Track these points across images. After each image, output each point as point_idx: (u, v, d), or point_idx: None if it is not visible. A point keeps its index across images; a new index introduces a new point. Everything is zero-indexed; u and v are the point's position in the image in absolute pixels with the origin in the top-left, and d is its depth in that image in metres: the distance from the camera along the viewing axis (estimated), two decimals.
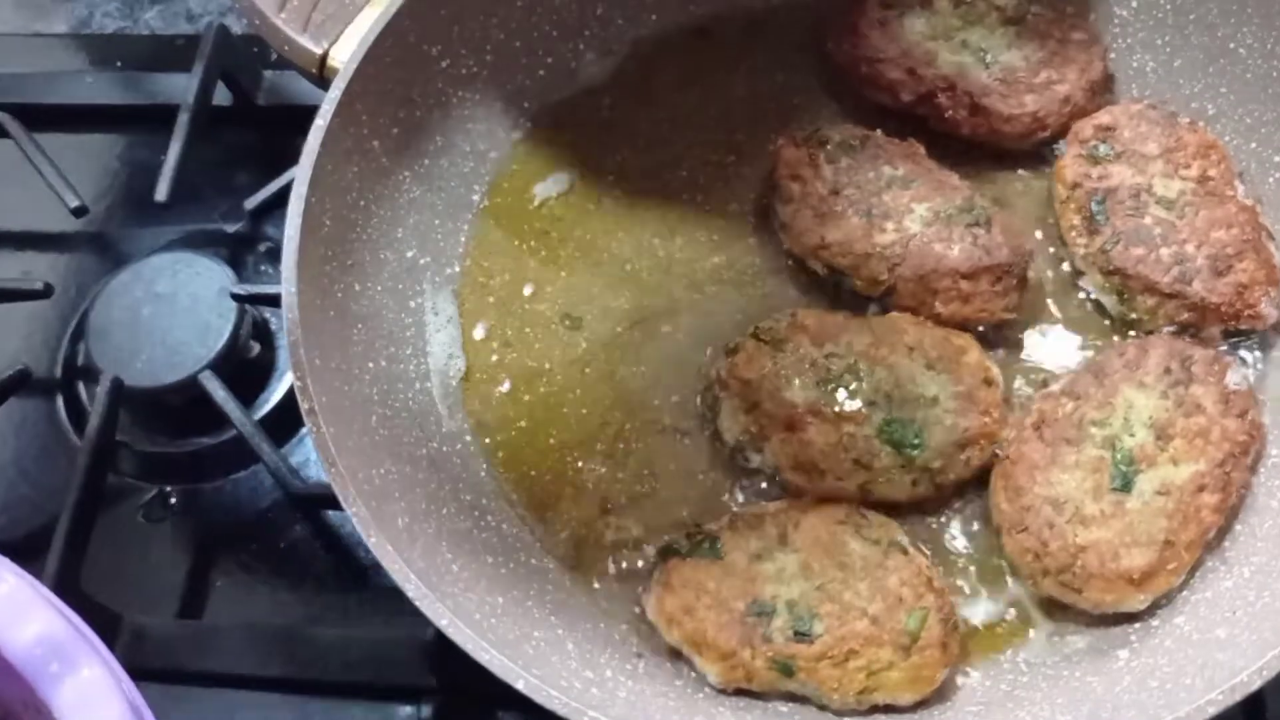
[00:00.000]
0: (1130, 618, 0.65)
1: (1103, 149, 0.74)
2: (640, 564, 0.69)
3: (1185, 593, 0.65)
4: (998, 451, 0.68)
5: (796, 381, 0.68)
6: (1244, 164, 0.76)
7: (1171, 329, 0.70)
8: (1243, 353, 0.71)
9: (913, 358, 0.69)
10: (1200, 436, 0.65)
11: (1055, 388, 0.69)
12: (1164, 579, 0.63)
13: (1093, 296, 0.74)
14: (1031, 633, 0.66)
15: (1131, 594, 0.63)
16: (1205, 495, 0.64)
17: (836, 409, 0.68)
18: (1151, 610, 0.65)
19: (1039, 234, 0.77)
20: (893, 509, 0.68)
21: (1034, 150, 0.78)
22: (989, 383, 0.69)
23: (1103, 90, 0.78)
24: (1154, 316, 0.70)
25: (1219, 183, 0.72)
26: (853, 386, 0.68)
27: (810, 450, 0.67)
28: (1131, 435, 0.65)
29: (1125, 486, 0.64)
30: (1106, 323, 0.74)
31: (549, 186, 0.79)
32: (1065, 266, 0.76)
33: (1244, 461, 0.65)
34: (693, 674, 0.65)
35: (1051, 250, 0.76)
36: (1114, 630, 0.65)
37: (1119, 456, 0.64)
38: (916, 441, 0.66)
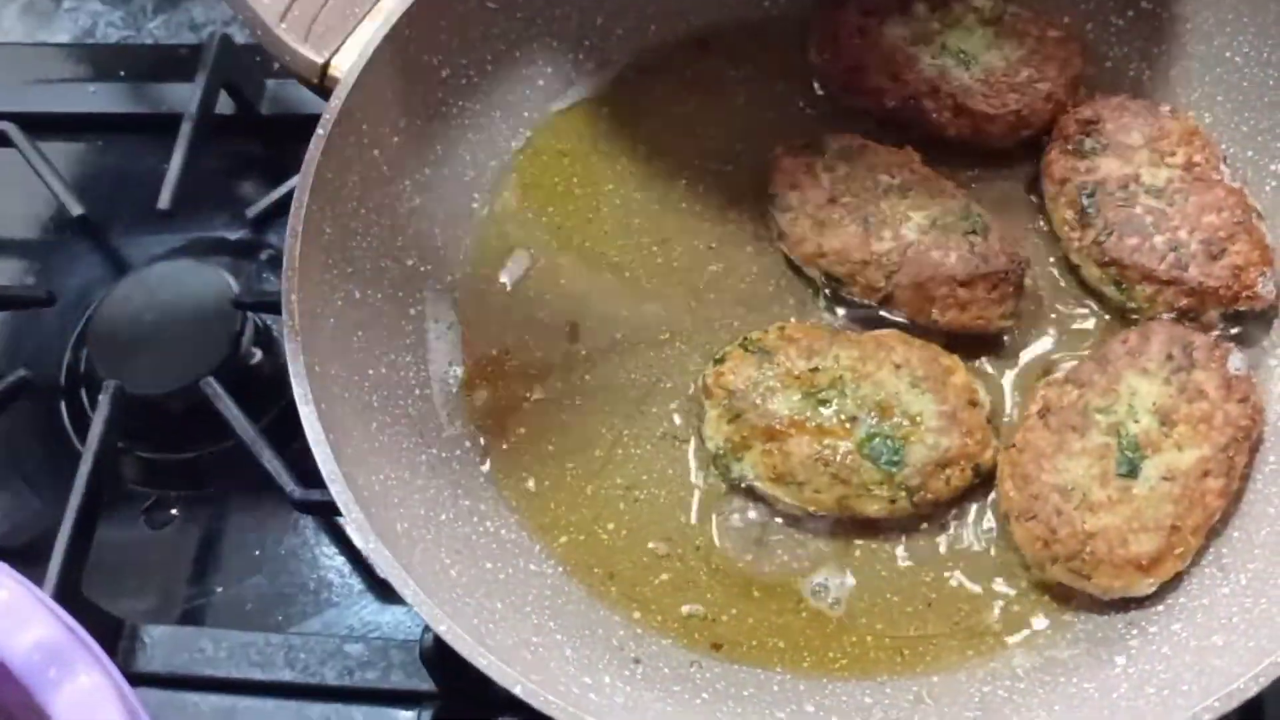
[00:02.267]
0: (1128, 623, 0.65)
1: (1088, 143, 0.75)
2: (636, 570, 0.69)
3: (1183, 599, 0.65)
4: (980, 467, 0.68)
5: (780, 393, 0.69)
6: (1241, 171, 0.76)
7: (1171, 315, 0.71)
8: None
9: (899, 375, 0.69)
10: (1203, 422, 0.66)
11: (1059, 375, 0.70)
12: (1171, 564, 0.64)
13: (1089, 299, 0.74)
14: (1027, 639, 0.66)
15: (1139, 579, 0.64)
16: (1209, 480, 0.64)
17: (818, 422, 0.68)
18: (1149, 617, 0.65)
19: (1031, 231, 0.77)
20: (872, 526, 0.68)
21: (1019, 149, 0.79)
22: (974, 404, 0.69)
23: (1083, 85, 0.79)
24: (1153, 304, 0.71)
25: (1205, 168, 0.73)
26: (836, 401, 0.68)
27: (790, 461, 0.67)
28: (1136, 421, 0.66)
29: (1131, 473, 0.65)
30: (1105, 320, 0.74)
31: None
32: (1055, 265, 0.76)
33: (1245, 446, 0.66)
34: (690, 680, 0.65)
35: (1045, 248, 0.76)
36: (1111, 637, 0.65)
37: (1124, 443, 0.65)
38: (896, 459, 0.67)
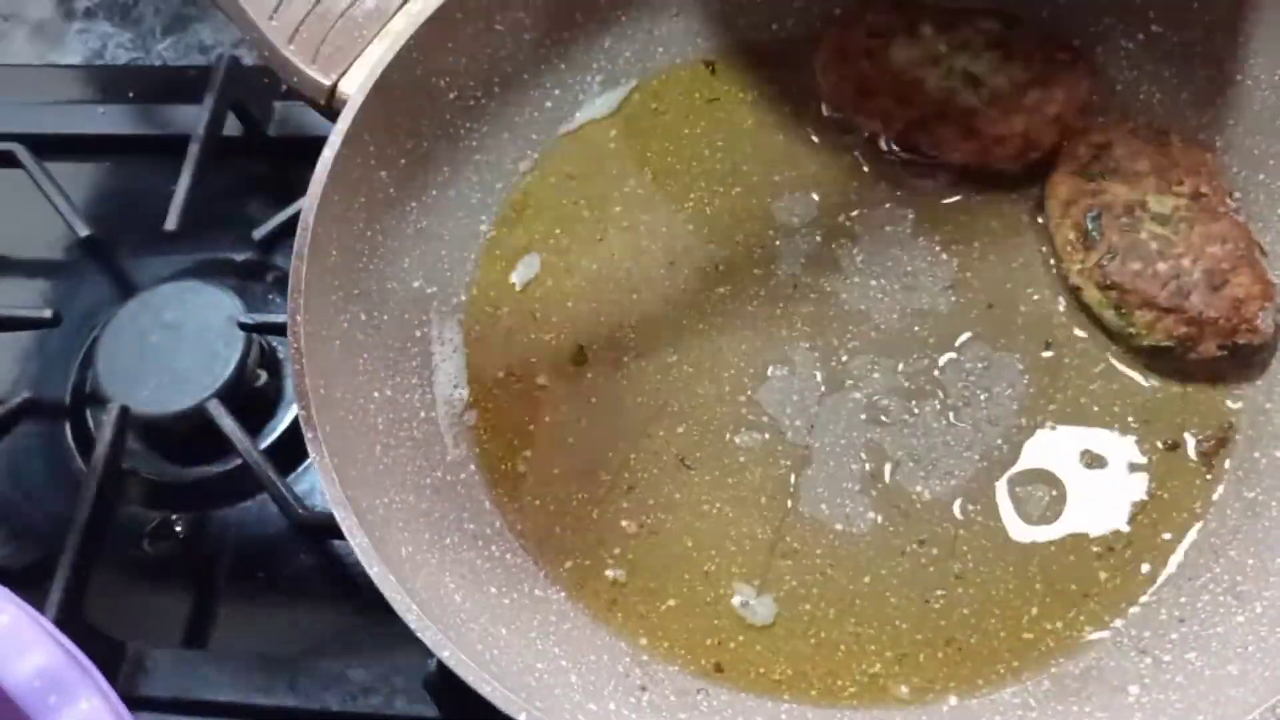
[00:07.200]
0: (1140, 652, 0.64)
1: (1096, 166, 0.75)
2: (642, 596, 0.68)
3: (1197, 628, 0.64)
4: None
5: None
6: (1252, 195, 0.76)
7: (1170, 344, 0.70)
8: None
9: None
10: None
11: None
12: None
13: (1089, 323, 0.73)
14: (1038, 668, 0.65)
15: None
16: None
17: None
18: (1163, 645, 0.64)
19: (1036, 255, 0.76)
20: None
21: (1026, 172, 0.78)
22: None
23: (1091, 108, 0.79)
24: (1151, 331, 0.71)
25: (1212, 199, 0.73)
26: None
27: None
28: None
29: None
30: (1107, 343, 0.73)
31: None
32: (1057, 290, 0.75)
33: None
34: (696, 708, 0.64)
35: (1047, 273, 0.76)
36: (1124, 665, 0.64)
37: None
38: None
